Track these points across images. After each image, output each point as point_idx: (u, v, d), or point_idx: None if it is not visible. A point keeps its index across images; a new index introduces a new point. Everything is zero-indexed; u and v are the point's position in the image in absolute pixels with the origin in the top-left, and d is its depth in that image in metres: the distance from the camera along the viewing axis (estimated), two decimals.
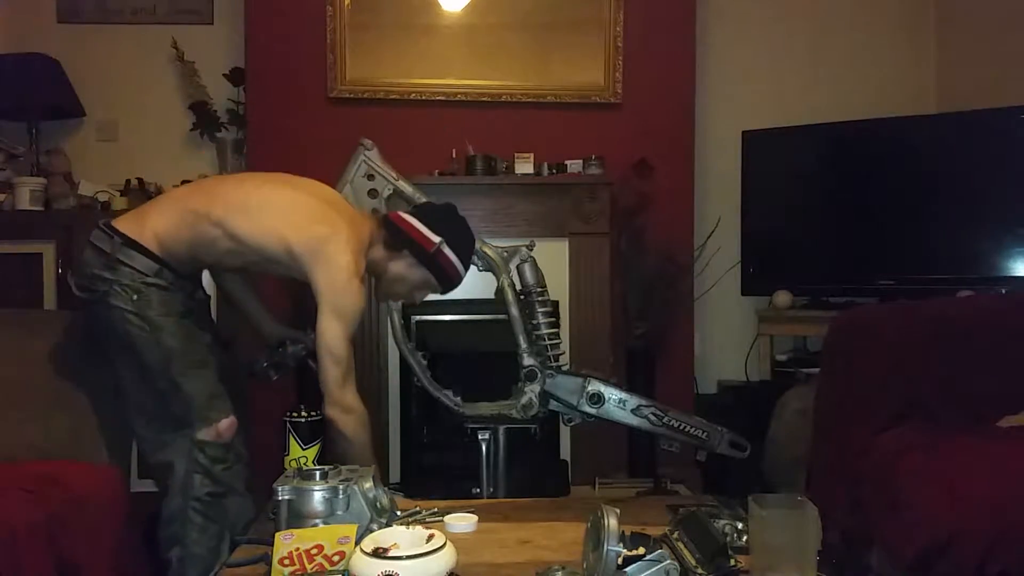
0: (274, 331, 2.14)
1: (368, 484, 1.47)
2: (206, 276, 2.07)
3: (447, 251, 1.86)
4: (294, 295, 2.68)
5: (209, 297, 2.10)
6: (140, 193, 3.22)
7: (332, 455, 1.76)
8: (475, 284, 2.62)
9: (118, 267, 1.80)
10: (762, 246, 3.45)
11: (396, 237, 1.87)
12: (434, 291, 1.93)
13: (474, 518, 1.58)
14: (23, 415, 2.02)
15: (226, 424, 1.85)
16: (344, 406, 1.75)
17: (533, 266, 1.83)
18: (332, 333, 1.76)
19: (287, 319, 2.27)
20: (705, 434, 1.75)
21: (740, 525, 1.42)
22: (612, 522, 1.15)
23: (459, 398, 1.83)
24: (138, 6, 3.52)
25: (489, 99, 3.40)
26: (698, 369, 3.58)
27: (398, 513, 1.58)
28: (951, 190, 3.17)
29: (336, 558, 1.27)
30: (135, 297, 1.80)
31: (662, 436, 1.76)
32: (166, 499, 1.88)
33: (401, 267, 1.89)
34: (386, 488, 1.57)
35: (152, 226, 1.85)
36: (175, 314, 1.84)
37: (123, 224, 1.87)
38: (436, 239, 1.85)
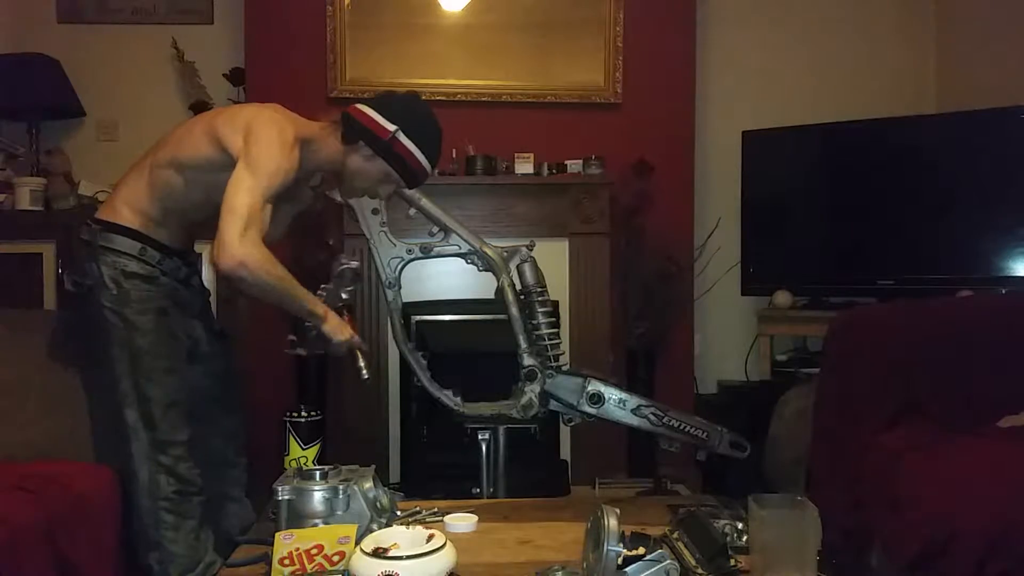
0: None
1: (368, 484, 1.47)
2: (208, 272, 2.05)
3: (403, 139, 1.78)
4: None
5: (208, 291, 2.09)
6: None
7: (340, 449, 1.73)
8: (475, 284, 2.62)
9: (101, 255, 1.80)
10: (762, 246, 3.45)
11: (350, 128, 1.80)
12: (399, 185, 1.84)
13: (474, 518, 1.58)
14: (23, 415, 2.02)
15: (185, 433, 1.83)
16: (238, 259, 1.62)
17: (533, 266, 1.82)
18: (237, 181, 1.67)
19: None
20: (705, 434, 1.74)
21: (740, 525, 1.42)
22: (612, 522, 1.15)
23: (459, 398, 1.82)
24: (138, 6, 3.52)
25: (489, 99, 3.40)
26: (698, 369, 3.58)
27: (398, 513, 1.58)
28: (951, 190, 3.17)
29: (336, 558, 1.27)
30: (115, 292, 1.78)
31: (662, 436, 1.76)
32: (134, 503, 1.84)
33: (358, 161, 1.81)
34: (386, 488, 1.57)
35: (121, 199, 1.84)
36: (152, 311, 1.81)
37: (100, 211, 1.88)
38: (391, 127, 1.77)
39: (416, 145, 1.81)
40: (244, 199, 1.66)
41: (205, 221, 1.92)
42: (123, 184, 1.89)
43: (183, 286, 1.93)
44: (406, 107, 1.85)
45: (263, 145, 1.70)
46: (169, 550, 1.81)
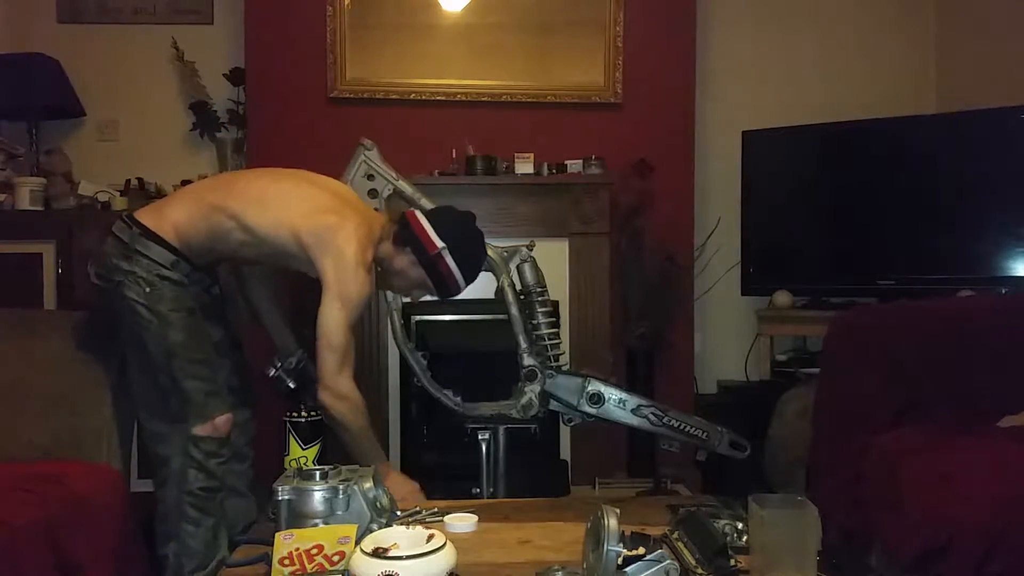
0: (291, 347, 2.13)
1: (368, 484, 1.47)
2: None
3: (448, 258, 1.86)
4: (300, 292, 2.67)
5: (224, 297, 2.12)
6: (140, 193, 3.23)
7: (340, 449, 1.78)
8: (475, 284, 2.62)
9: (136, 257, 1.83)
10: (762, 246, 3.44)
11: (404, 233, 1.89)
12: (431, 294, 1.93)
13: (474, 518, 1.58)
14: (23, 415, 2.02)
15: (222, 420, 1.88)
16: (337, 393, 1.77)
17: (533, 266, 1.83)
18: (332, 318, 1.77)
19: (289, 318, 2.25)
20: (705, 434, 1.75)
21: (740, 525, 1.42)
22: (612, 522, 1.15)
23: (459, 398, 1.82)
24: (138, 6, 3.52)
25: (489, 99, 3.40)
26: (698, 369, 3.57)
27: (398, 513, 1.58)
28: (951, 190, 3.17)
29: (336, 558, 1.27)
30: (148, 290, 1.82)
31: (662, 436, 1.76)
32: (161, 492, 1.90)
33: (404, 263, 1.90)
34: (386, 488, 1.56)
35: (171, 218, 1.88)
36: (184, 309, 1.86)
37: (143, 216, 1.91)
38: (440, 244, 1.85)
39: (458, 266, 1.87)
40: (340, 335, 1.76)
41: (244, 262, 2.02)
42: (178, 205, 1.93)
43: (205, 294, 1.99)
44: (457, 228, 1.92)
45: (350, 274, 1.78)
46: (187, 544, 1.86)
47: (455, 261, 1.87)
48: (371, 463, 1.80)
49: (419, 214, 1.91)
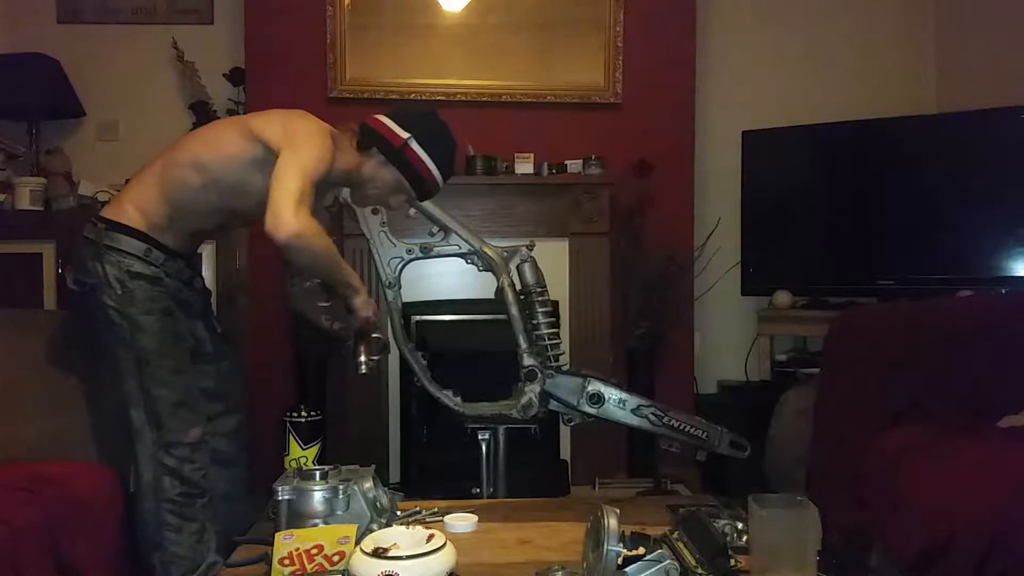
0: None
1: (368, 484, 1.48)
2: (208, 273, 2.05)
3: (415, 146, 1.81)
4: None
5: (210, 292, 2.09)
6: None
7: (340, 449, 1.74)
8: (475, 284, 2.62)
9: (106, 254, 1.79)
10: (762, 246, 3.44)
11: (366, 135, 1.84)
12: (409, 195, 1.86)
13: (474, 518, 1.59)
14: (23, 415, 2.02)
15: (193, 434, 1.84)
16: (295, 231, 1.63)
17: (533, 266, 1.83)
18: (286, 166, 1.68)
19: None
20: (705, 434, 1.75)
21: (740, 525, 1.42)
22: (612, 522, 1.15)
23: (459, 398, 1.82)
24: (138, 6, 3.52)
25: (489, 99, 3.40)
26: (698, 369, 3.57)
27: (398, 513, 1.58)
28: (951, 190, 3.17)
29: (336, 558, 1.27)
30: (119, 292, 1.78)
31: (662, 436, 1.76)
32: (139, 503, 1.85)
33: (372, 167, 1.84)
34: (386, 488, 1.57)
35: (130, 199, 1.84)
36: (158, 312, 1.81)
37: (106, 210, 1.88)
38: (404, 134, 1.81)
39: (428, 155, 1.82)
40: (295, 177, 1.67)
41: (212, 230, 1.93)
42: (133, 184, 1.90)
43: (186, 287, 1.93)
44: (421, 118, 1.88)
45: (304, 134, 1.74)
46: (171, 551, 1.82)
47: (424, 150, 1.81)
48: (344, 280, 1.84)
49: (378, 115, 1.86)
